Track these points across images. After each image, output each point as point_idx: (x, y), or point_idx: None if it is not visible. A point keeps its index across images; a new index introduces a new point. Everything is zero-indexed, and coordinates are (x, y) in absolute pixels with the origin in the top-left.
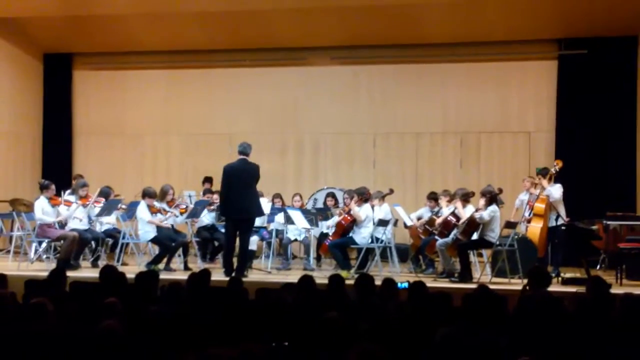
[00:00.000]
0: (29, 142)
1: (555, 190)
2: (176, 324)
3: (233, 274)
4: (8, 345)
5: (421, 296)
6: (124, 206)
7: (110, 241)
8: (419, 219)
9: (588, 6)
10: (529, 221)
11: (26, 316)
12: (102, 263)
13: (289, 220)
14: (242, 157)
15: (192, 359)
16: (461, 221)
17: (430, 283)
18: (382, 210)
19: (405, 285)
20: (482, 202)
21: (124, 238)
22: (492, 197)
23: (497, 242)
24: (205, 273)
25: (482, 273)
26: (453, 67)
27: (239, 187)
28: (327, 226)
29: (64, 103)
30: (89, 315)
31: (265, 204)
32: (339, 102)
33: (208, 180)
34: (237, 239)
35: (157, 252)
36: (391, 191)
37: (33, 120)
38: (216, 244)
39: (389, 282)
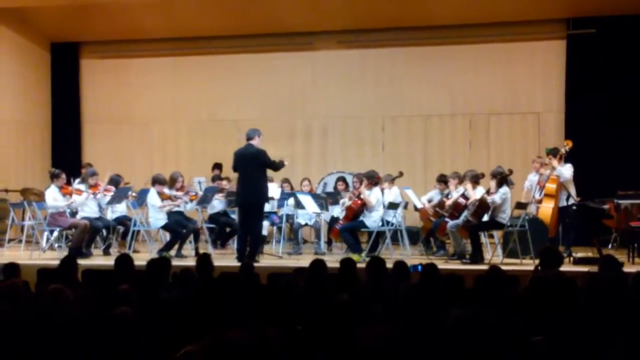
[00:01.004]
0: (38, 131)
1: (566, 170)
2: (189, 310)
3: (245, 259)
4: (24, 331)
5: (433, 278)
6: (134, 194)
7: (121, 229)
8: (429, 201)
9: None
10: (539, 202)
11: (45, 302)
12: (113, 251)
13: (299, 205)
14: (248, 142)
15: (204, 343)
16: (469, 201)
17: (441, 265)
18: (392, 194)
19: (420, 267)
20: (493, 184)
21: (134, 225)
22: (502, 179)
23: (508, 223)
24: (205, 257)
25: (493, 254)
26: (461, 48)
27: (242, 173)
28: (342, 203)
29: (71, 92)
30: (102, 302)
31: (275, 189)
32: (346, 86)
33: (218, 166)
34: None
35: (168, 239)
36: (401, 174)
37: (41, 110)
38: (228, 230)
39: (400, 265)
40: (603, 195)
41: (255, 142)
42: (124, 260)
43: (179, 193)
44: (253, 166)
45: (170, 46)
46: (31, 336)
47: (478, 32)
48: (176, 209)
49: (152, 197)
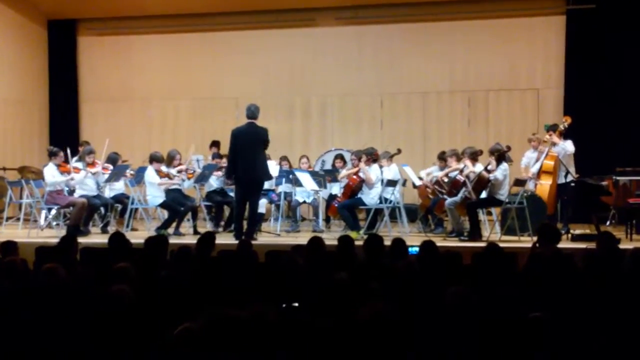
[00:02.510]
0: (36, 109)
1: (570, 145)
2: (186, 287)
3: (243, 237)
4: (22, 308)
5: (431, 255)
6: (132, 172)
7: (119, 207)
8: (428, 175)
9: None
10: (538, 177)
11: (39, 281)
12: (111, 229)
13: (297, 182)
14: (250, 120)
15: (203, 320)
16: (464, 173)
17: (439, 242)
18: (391, 171)
19: (416, 251)
20: (492, 160)
21: (132, 203)
22: (500, 155)
23: (507, 200)
24: (210, 236)
25: (491, 231)
26: (459, 24)
27: (246, 151)
28: (341, 177)
29: (69, 69)
30: (100, 280)
31: (273, 166)
32: (345, 63)
33: (215, 144)
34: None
35: (166, 216)
36: (399, 151)
37: (39, 88)
38: (227, 210)
39: (398, 242)
40: (601, 172)
41: (258, 119)
42: (118, 238)
43: (180, 167)
44: (257, 144)
45: (169, 23)
46: (29, 313)
47: (477, 7)
48: (174, 186)
49: (150, 175)
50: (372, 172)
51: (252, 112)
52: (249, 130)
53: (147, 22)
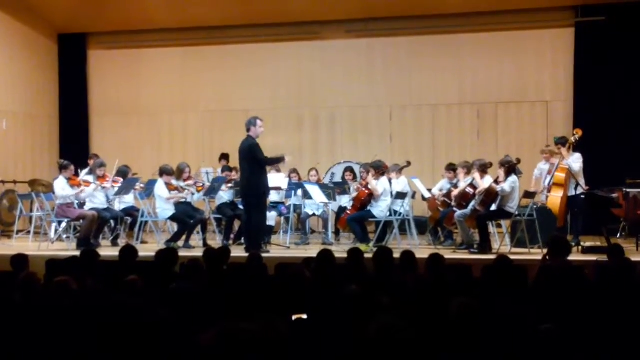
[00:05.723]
0: (46, 123)
1: (575, 163)
2: (196, 300)
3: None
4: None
5: (440, 268)
6: (141, 185)
7: (129, 220)
8: (441, 191)
9: None
10: (549, 190)
11: (51, 294)
12: (121, 242)
13: (306, 195)
14: (247, 134)
15: (212, 332)
16: (477, 190)
17: (449, 255)
18: (400, 183)
19: None
20: (501, 173)
21: (142, 216)
22: (510, 168)
23: (516, 213)
24: (226, 250)
25: (501, 244)
26: (469, 37)
27: (240, 166)
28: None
29: (79, 83)
30: (110, 293)
31: (282, 179)
32: (354, 75)
33: (224, 157)
34: None
35: (175, 229)
36: (408, 164)
37: (49, 101)
38: (237, 224)
39: (407, 255)
40: (612, 184)
41: (253, 132)
42: (128, 252)
43: (188, 182)
44: (247, 159)
45: (178, 36)
46: (43, 328)
47: (486, 20)
48: (183, 199)
49: (160, 188)
50: (381, 185)
51: (245, 126)
52: (241, 146)
53: (157, 35)
